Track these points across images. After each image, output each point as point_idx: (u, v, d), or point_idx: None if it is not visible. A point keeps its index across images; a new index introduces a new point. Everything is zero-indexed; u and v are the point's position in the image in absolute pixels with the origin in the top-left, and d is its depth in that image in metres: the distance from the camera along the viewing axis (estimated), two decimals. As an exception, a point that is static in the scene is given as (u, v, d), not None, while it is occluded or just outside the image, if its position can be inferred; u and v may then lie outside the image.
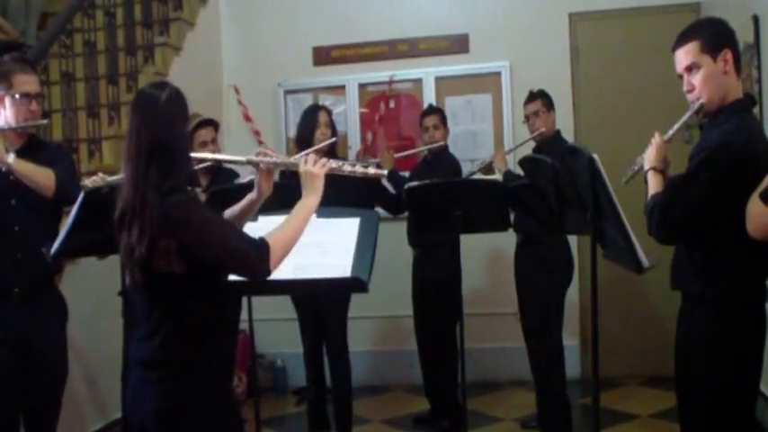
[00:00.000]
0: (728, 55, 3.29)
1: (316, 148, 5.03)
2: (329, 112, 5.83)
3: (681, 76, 3.42)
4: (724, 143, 3.18)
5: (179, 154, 2.96)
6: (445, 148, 6.30)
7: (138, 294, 2.98)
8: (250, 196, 3.38)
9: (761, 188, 2.90)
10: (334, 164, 3.37)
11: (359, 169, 3.52)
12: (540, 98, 5.85)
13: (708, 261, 3.32)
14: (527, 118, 5.89)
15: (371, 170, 3.53)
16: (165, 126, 2.92)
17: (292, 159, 3.49)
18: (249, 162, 3.38)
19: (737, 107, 3.33)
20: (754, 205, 2.94)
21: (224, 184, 5.26)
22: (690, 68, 3.34)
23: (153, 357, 2.96)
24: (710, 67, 3.29)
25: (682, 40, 3.37)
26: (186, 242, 2.85)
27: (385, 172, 3.59)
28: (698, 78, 3.32)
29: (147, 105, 2.94)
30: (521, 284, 5.90)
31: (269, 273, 2.98)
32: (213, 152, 5.31)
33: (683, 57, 3.35)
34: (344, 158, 6.79)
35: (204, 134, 5.62)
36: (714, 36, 3.32)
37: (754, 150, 3.17)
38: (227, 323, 3.44)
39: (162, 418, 2.95)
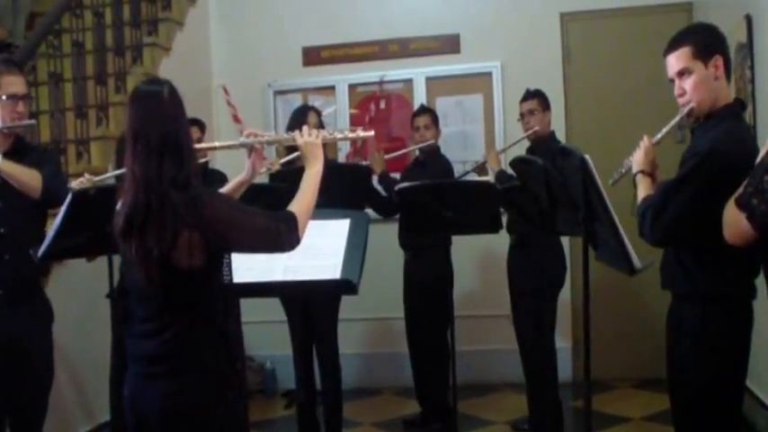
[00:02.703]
0: (719, 61, 3.35)
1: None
2: (318, 113, 5.82)
3: (672, 81, 3.46)
4: (714, 150, 3.23)
5: (187, 147, 2.97)
6: (437, 148, 6.29)
7: (149, 293, 2.94)
8: (240, 177, 3.45)
9: (736, 194, 2.92)
10: (326, 133, 3.45)
11: (349, 134, 3.58)
12: (537, 97, 5.83)
13: (695, 260, 3.36)
14: (522, 116, 5.86)
15: (361, 133, 3.55)
16: (173, 120, 2.94)
17: (285, 135, 3.53)
18: (242, 145, 3.41)
19: (728, 112, 3.39)
20: (730, 211, 2.96)
21: (212, 185, 5.23)
22: (681, 73, 3.40)
23: (160, 351, 2.95)
24: (702, 72, 3.34)
25: (673, 45, 3.43)
26: (216, 232, 2.88)
27: (371, 133, 3.62)
28: (689, 83, 3.37)
29: (151, 102, 2.94)
30: (514, 286, 5.90)
31: (299, 242, 3.07)
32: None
33: (675, 62, 3.41)
34: (333, 159, 6.81)
35: None
36: (706, 42, 3.37)
37: (744, 156, 3.19)
38: (234, 318, 3.46)
39: (169, 414, 2.94)
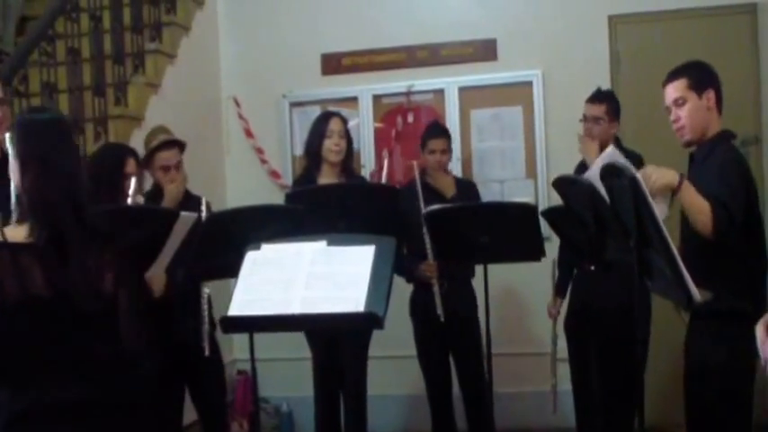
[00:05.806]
0: (711, 94, 4.21)
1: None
2: (344, 120, 5.76)
3: (668, 109, 4.27)
4: (731, 152, 4.15)
5: None
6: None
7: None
8: None
9: None
10: None
11: None
12: (608, 102, 5.70)
13: (714, 277, 3.74)
14: (584, 118, 5.70)
15: None
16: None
17: None
18: None
19: (721, 137, 4.21)
20: None
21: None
22: (677, 102, 4.21)
23: None
24: (696, 101, 4.19)
25: (671, 77, 4.27)
26: None
27: None
28: (684, 110, 4.20)
29: None
30: (594, 315, 5.55)
31: None
32: (177, 178, 5.20)
33: (672, 91, 4.24)
34: (361, 176, 6.77)
35: (166, 157, 5.26)
36: (700, 77, 4.24)
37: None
38: None
39: None
